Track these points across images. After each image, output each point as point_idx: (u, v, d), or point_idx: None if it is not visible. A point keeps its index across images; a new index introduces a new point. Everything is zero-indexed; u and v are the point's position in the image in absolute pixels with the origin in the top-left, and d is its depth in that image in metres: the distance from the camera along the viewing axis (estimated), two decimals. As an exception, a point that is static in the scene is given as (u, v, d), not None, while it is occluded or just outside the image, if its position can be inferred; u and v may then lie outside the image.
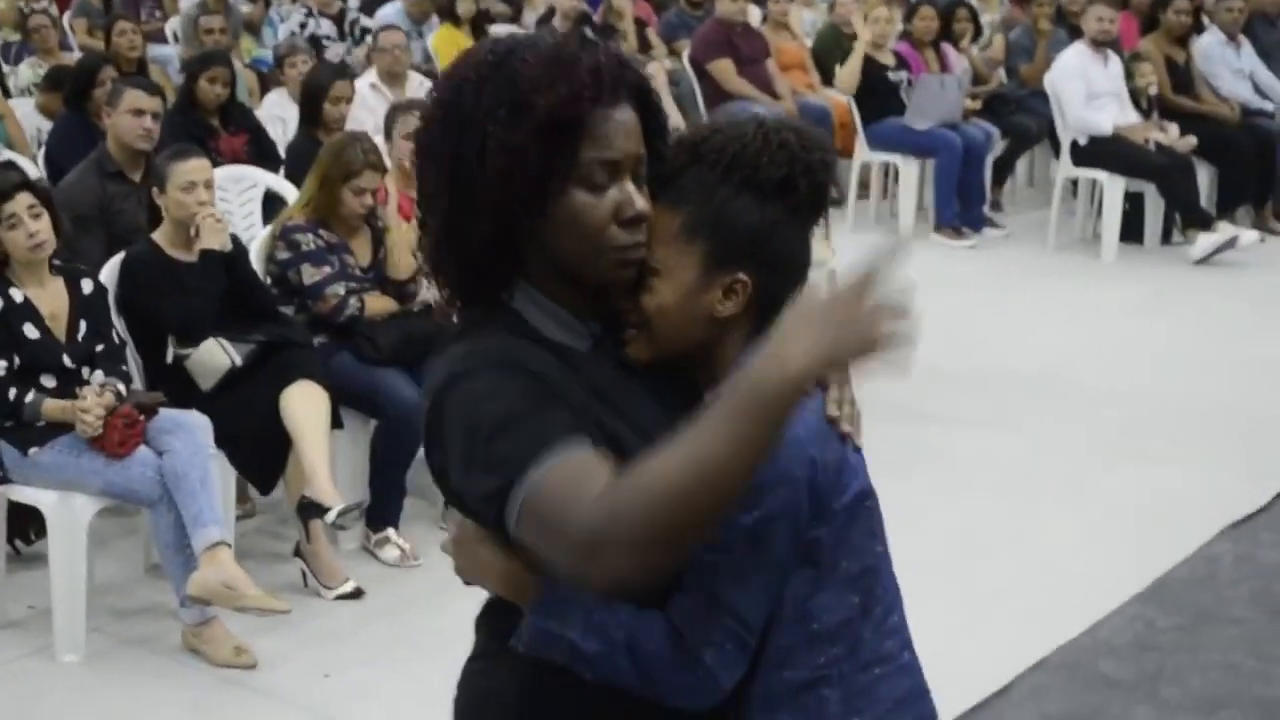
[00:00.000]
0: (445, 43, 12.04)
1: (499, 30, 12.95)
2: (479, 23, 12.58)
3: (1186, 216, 10.24)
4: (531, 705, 2.36)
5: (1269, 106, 11.16)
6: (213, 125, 8.09)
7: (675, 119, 7.90)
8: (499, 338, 2.24)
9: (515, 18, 14.05)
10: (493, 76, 2.16)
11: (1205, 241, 9.98)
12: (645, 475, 1.98)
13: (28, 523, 5.33)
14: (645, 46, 12.74)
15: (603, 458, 2.08)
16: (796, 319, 1.96)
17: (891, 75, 10.95)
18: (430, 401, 2.25)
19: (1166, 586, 5.54)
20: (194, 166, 5.61)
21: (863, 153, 10.89)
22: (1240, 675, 5.01)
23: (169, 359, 5.52)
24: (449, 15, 12.50)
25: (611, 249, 2.21)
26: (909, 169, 10.71)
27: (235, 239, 5.87)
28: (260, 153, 8.09)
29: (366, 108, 8.56)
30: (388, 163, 6.37)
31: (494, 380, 2.16)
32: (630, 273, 2.27)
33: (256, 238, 6.41)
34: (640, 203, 2.20)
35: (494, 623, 2.39)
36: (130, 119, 6.46)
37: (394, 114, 6.65)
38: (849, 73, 10.91)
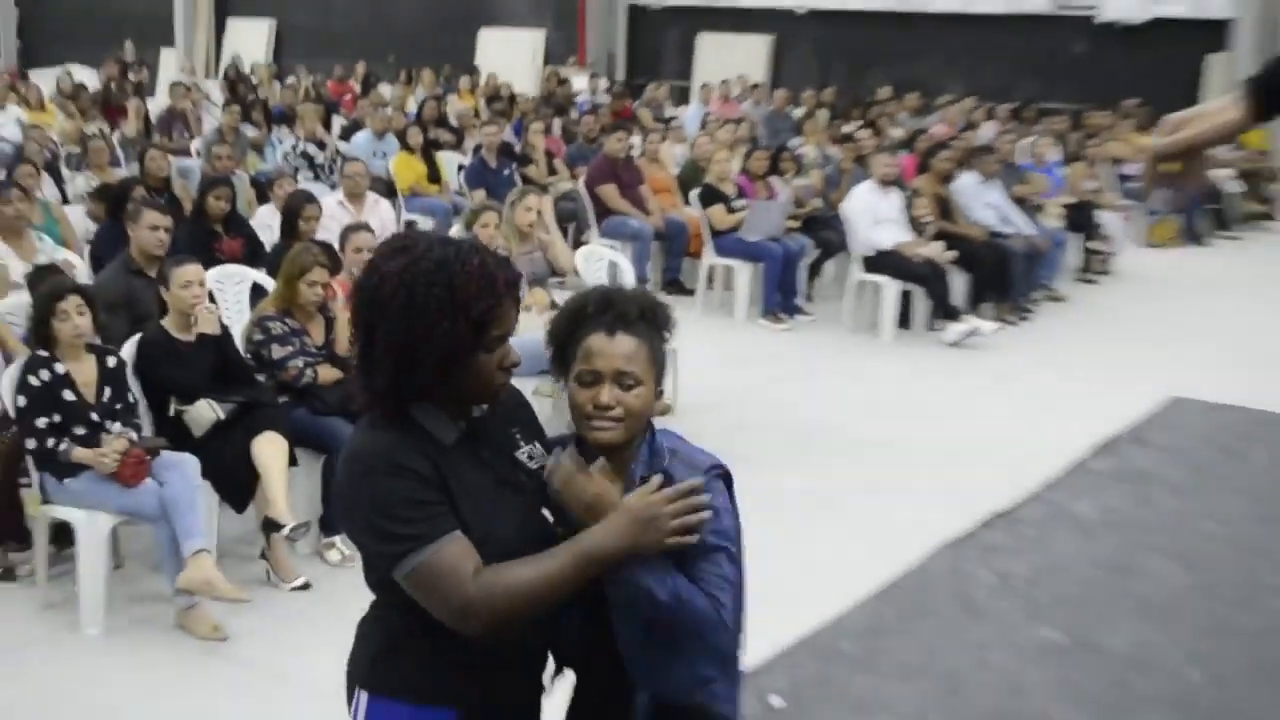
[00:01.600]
0: (401, 165, 12.11)
1: (454, 156, 13.09)
2: (427, 149, 12.56)
3: (943, 310, 10.33)
4: (389, 646, 2.54)
5: (1008, 230, 11.29)
6: (217, 231, 8.20)
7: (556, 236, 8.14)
8: (395, 438, 2.44)
9: (458, 145, 14.04)
10: (436, 282, 2.37)
11: (956, 329, 10.12)
12: (509, 577, 2.38)
13: (62, 534, 5.40)
14: (552, 171, 12.86)
15: (469, 547, 2.38)
16: (624, 511, 2.43)
17: (733, 201, 10.99)
18: (344, 473, 2.49)
19: (894, 588, 5.65)
20: (190, 270, 5.71)
21: (709, 257, 10.94)
22: (936, 653, 5.14)
23: (170, 413, 5.58)
24: (403, 144, 12.45)
25: (495, 385, 2.50)
26: (744, 270, 10.74)
27: (224, 325, 5.94)
28: (253, 253, 8.15)
29: (335, 220, 8.55)
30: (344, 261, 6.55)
31: (393, 480, 2.39)
32: (498, 395, 2.55)
33: (244, 321, 6.45)
34: (514, 356, 2.49)
35: (380, 599, 2.58)
36: (148, 232, 6.58)
37: (346, 233, 6.78)
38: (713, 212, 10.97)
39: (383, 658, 2.56)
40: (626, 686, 2.62)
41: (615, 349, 2.58)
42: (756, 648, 4.67)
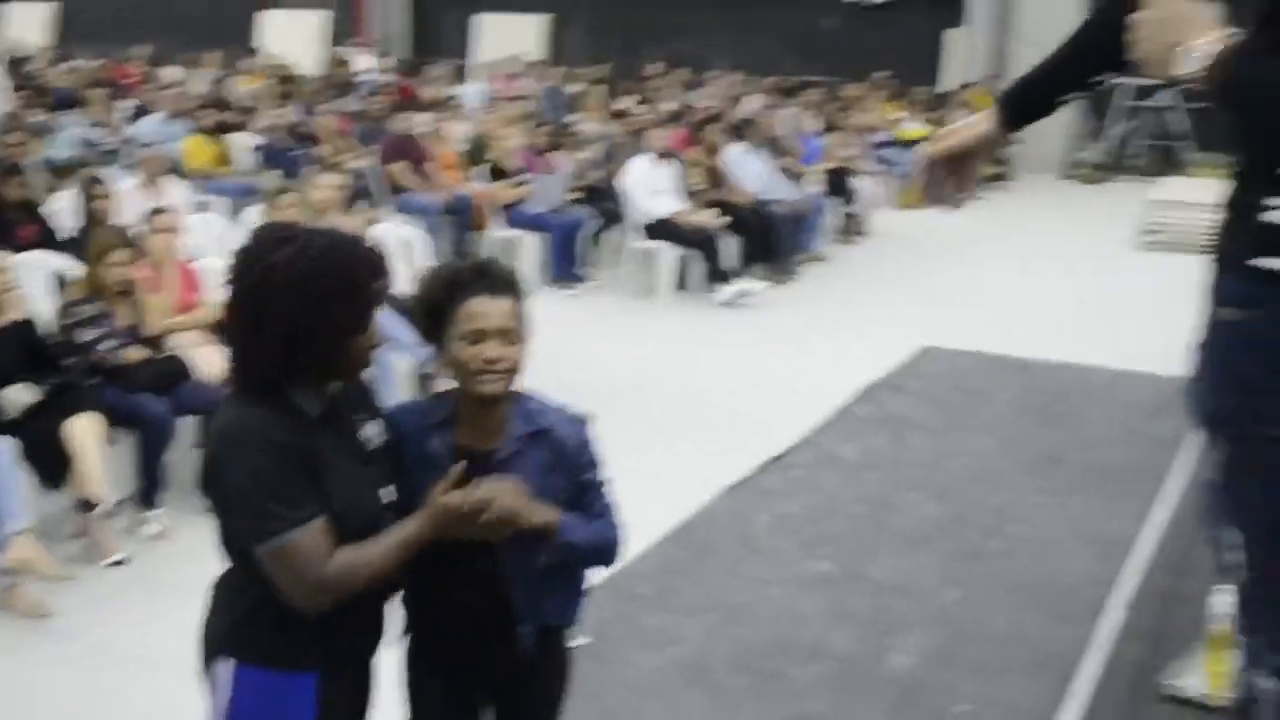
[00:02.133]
0: (194, 147, 11.74)
1: (243, 138, 12.80)
2: (218, 131, 12.17)
3: (716, 273, 10.50)
4: (252, 613, 2.54)
5: (773, 197, 11.46)
6: (13, 219, 7.90)
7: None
8: (268, 414, 2.45)
9: (245, 125, 13.60)
10: (328, 269, 2.42)
11: (728, 290, 10.31)
12: (356, 560, 2.47)
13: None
14: (342, 150, 12.60)
15: (327, 531, 2.44)
16: (439, 506, 2.52)
17: (519, 177, 11.07)
18: (213, 446, 2.51)
19: (682, 531, 5.76)
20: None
21: (495, 229, 10.92)
22: (721, 589, 5.25)
23: None
24: (193, 127, 12.10)
25: (364, 362, 2.58)
26: (530, 241, 10.80)
27: (31, 314, 5.79)
28: (48, 238, 7.93)
29: (130, 204, 8.35)
30: (145, 248, 6.40)
31: (272, 459, 2.41)
32: (364, 370, 2.64)
33: (43, 306, 6.26)
34: (380, 335, 2.58)
35: (238, 567, 2.57)
36: None
37: (150, 219, 6.63)
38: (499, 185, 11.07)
39: (247, 625, 2.56)
40: (504, 623, 2.75)
41: (498, 308, 2.64)
42: None
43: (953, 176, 2.87)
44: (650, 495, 6.17)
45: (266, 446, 2.42)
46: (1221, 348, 2.66)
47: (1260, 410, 2.60)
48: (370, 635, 2.70)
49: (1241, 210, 2.58)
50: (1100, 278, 11.50)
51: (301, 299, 2.41)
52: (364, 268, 2.48)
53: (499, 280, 2.68)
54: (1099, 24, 2.85)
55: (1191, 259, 12.04)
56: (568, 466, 2.78)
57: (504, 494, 2.57)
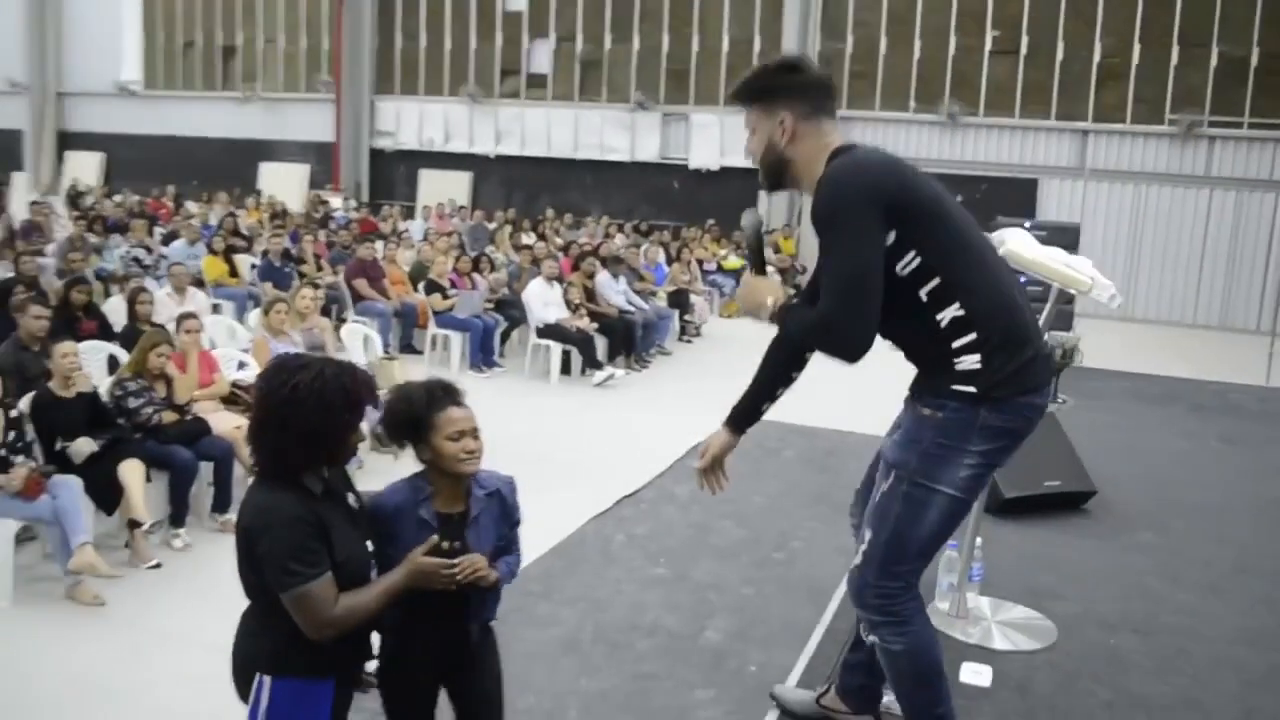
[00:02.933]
0: (209, 265, 11.71)
1: (247, 258, 12.78)
2: (228, 253, 12.13)
3: (590, 363, 10.54)
4: (286, 640, 2.49)
5: (632, 309, 11.61)
6: (79, 316, 7.85)
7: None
8: (289, 495, 2.45)
9: (249, 249, 13.39)
10: (339, 388, 2.46)
11: (600, 375, 10.36)
12: (354, 604, 2.47)
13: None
14: (319, 268, 12.61)
15: (333, 582, 2.42)
16: (416, 565, 2.52)
17: (449, 291, 11.10)
18: (248, 519, 2.49)
19: (562, 547, 5.67)
20: (67, 346, 5.61)
21: (432, 329, 10.93)
22: (589, 587, 5.16)
23: (57, 449, 5.44)
24: (209, 249, 12.08)
25: (352, 454, 2.60)
26: (456, 337, 10.79)
27: (94, 386, 5.82)
28: (104, 331, 7.90)
29: (164, 306, 8.39)
30: (176, 341, 6.41)
31: (288, 532, 2.41)
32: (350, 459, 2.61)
33: (104, 382, 6.25)
34: (362, 434, 2.58)
35: (266, 607, 2.52)
36: (33, 320, 6.34)
37: (180, 320, 6.59)
38: (433, 299, 11.13)
39: (281, 647, 2.50)
40: (456, 621, 2.74)
41: (467, 414, 2.70)
42: None
43: (715, 472, 3.13)
44: (542, 521, 6.07)
45: (289, 520, 2.42)
46: (915, 424, 2.99)
47: (927, 470, 2.93)
48: (362, 652, 2.69)
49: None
50: (860, 369, 11.73)
51: (319, 410, 2.43)
52: (361, 388, 2.52)
53: (457, 394, 2.73)
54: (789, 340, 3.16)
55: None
56: (507, 515, 2.83)
57: (478, 562, 2.62)
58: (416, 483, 2.75)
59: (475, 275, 11.84)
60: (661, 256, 14.63)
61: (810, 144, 2.81)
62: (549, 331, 10.67)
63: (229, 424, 6.23)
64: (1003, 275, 2.79)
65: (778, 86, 2.84)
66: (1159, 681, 4.12)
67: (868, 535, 2.95)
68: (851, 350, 2.74)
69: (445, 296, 11.05)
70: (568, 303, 11.02)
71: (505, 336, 11.76)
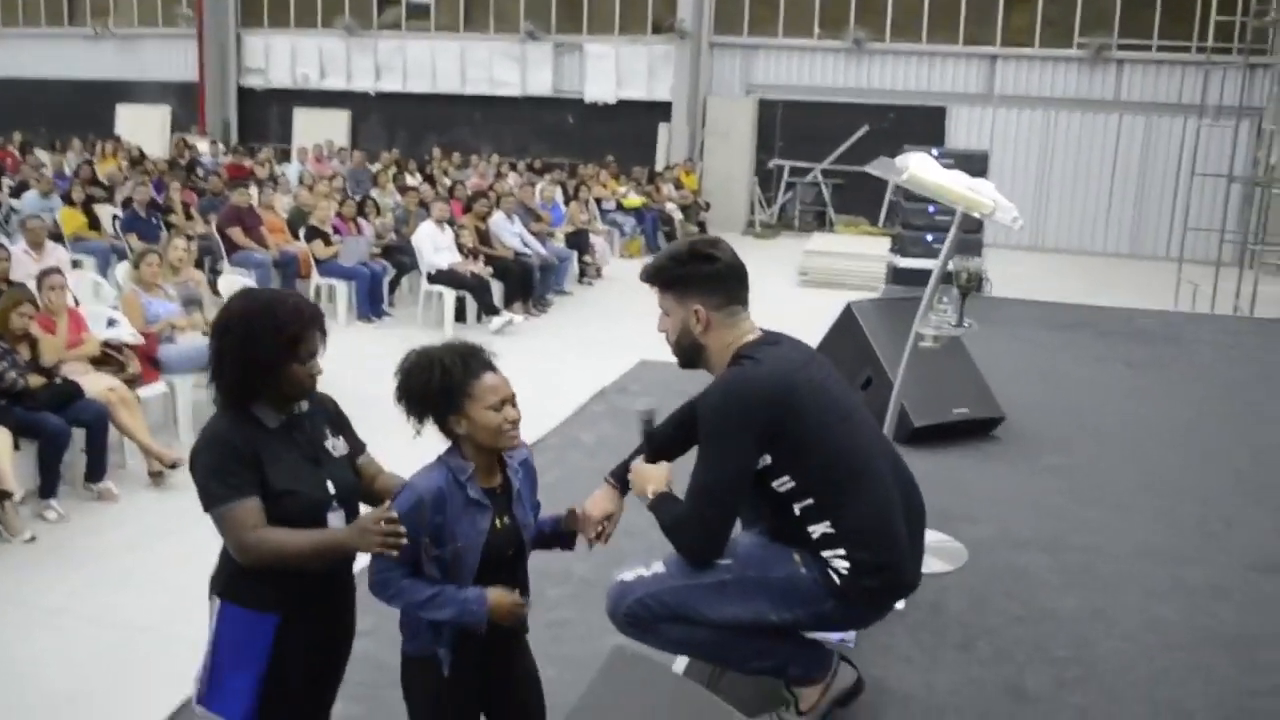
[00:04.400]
0: (66, 217, 11.36)
1: (107, 209, 12.45)
2: (87, 204, 11.80)
3: (486, 309, 10.66)
4: (238, 567, 2.57)
5: (528, 251, 11.70)
6: None
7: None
8: (230, 424, 2.59)
9: (110, 198, 13.00)
10: (263, 314, 2.57)
11: (497, 321, 10.47)
12: (272, 539, 2.54)
13: None
14: (189, 218, 12.25)
15: (256, 510, 2.52)
16: (356, 524, 2.57)
17: (333, 238, 11.00)
18: (196, 443, 2.62)
19: None
20: None
21: (315, 279, 10.90)
22: None
23: None
24: (67, 200, 11.74)
25: (304, 387, 2.65)
26: (342, 287, 10.79)
27: None
28: None
29: (21, 263, 8.06)
30: (39, 300, 6.29)
31: (220, 455, 2.54)
32: (306, 395, 2.67)
33: None
34: (318, 367, 2.63)
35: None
36: None
37: (42, 277, 6.50)
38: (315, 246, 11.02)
39: (231, 574, 2.63)
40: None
41: (503, 379, 2.65)
42: None
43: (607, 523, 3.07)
44: (422, 451, 6.30)
45: (219, 444, 2.57)
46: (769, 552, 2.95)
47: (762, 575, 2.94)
48: (310, 595, 2.70)
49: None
50: (769, 306, 11.94)
51: (244, 334, 2.57)
52: (288, 314, 2.59)
53: (488, 358, 2.68)
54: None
55: (834, 293, 12.68)
56: (535, 484, 2.85)
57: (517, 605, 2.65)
58: (452, 461, 2.68)
59: (360, 220, 11.79)
60: (559, 195, 14.65)
61: (722, 334, 2.95)
62: (441, 277, 10.69)
63: (102, 385, 6.17)
64: (883, 494, 2.87)
65: (691, 276, 2.95)
66: (1066, 595, 4.40)
67: (660, 569, 2.96)
68: (695, 557, 2.90)
69: (328, 243, 10.98)
70: (460, 247, 11.04)
71: (394, 284, 11.75)
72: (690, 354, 3.02)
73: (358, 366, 9.28)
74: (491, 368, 2.66)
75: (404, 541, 2.54)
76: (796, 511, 2.85)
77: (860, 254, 14.00)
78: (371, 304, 10.88)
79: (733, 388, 2.83)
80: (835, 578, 2.83)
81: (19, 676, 4.20)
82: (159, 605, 4.69)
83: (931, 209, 10.24)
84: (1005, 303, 10.54)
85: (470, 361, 2.64)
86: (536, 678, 2.89)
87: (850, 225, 18.47)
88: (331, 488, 2.71)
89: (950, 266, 4.25)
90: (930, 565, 4.59)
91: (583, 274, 13.43)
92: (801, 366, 2.87)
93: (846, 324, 6.39)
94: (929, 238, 10.35)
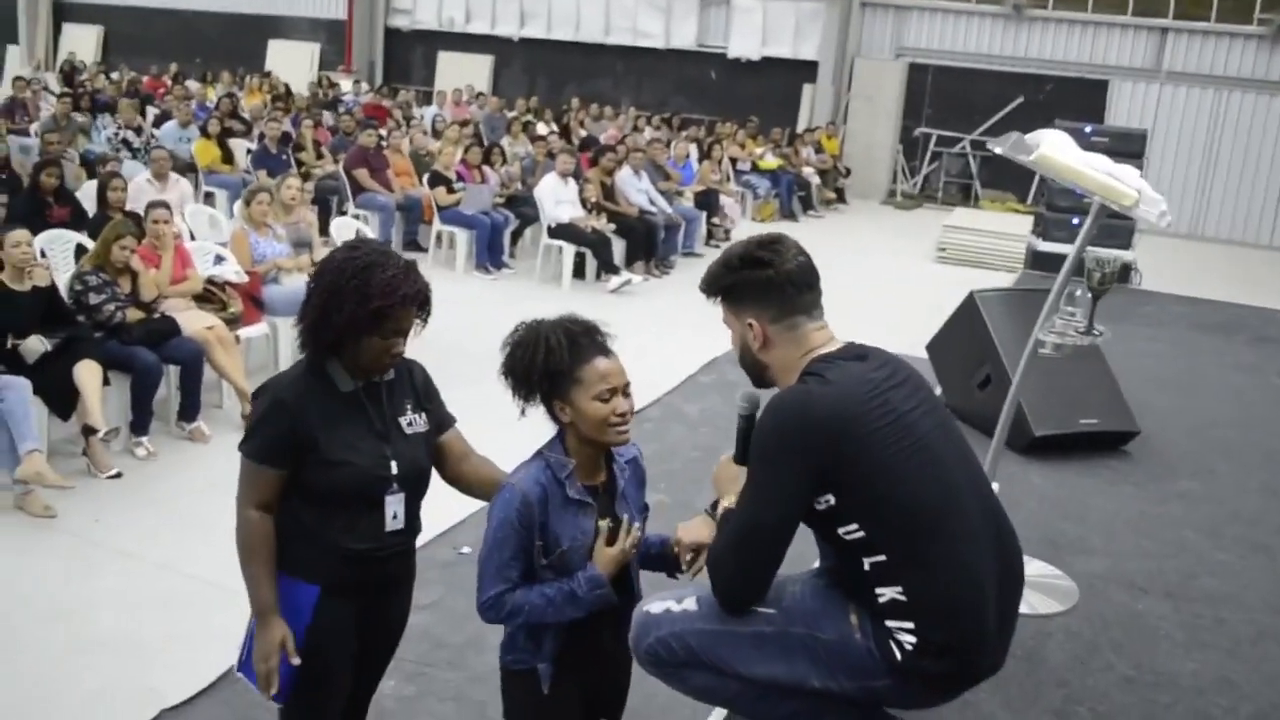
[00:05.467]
0: (201, 149, 11.55)
1: (244, 143, 12.60)
2: (223, 137, 11.94)
3: (606, 267, 10.48)
4: (282, 533, 2.50)
5: (654, 210, 11.44)
6: (48, 201, 7.69)
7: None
8: (299, 374, 2.51)
9: (247, 133, 13.28)
10: (356, 276, 2.41)
11: (615, 281, 10.28)
12: (250, 531, 2.47)
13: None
14: (319, 156, 12.37)
15: (273, 483, 2.45)
16: (265, 643, 2.46)
17: (454, 184, 10.91)
18: (266, 382, 2.56)
19: None
20: (19, 234, 5.45)
21: (436, 225, 10.80)
22: None
23: (8, 346, 5.30)
24: (203, 132, 11.86)
25: (380, 363, 2.51)
26: (462, 235, 10.67)
27: (52, 279, 5.67)
28: (78, 220, 7.68)
29: (143, 193, 8.15)
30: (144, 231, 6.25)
31: (269, 409, 2.46)
32: (382, 372, 2.54)
33: (69, 273, 6.17)
34: (399, 349, 2.49)
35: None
36: None
37: (148, 209, 6.45)
38: (437, 192, 10.91)
39: (283, 540, 2.52)
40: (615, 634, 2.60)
41: (618, 366, 2.46)
42: (450, 510, 4.53)
43: (696, 555, 2.74)
44: (544, 439, 6.17)
45: (274, 398, 2.47)
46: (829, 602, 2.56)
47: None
48: (372, 568, 2.59)
49: None
50: (898, 282, 11.59)
51: (329, 291, 2.43)
52: (381, 285, 2.42)
53: (603, 339, 2.49)
54: None
55: (971, 273, 12.21)
56: (643, 484, 2.67)
57: (634, 530, 2.49)
58: (551, 455, 2.50)
59: (485, 168, 11.62)
60: (692, 153, 14.32)
61: (784, 351, 2.54)
62: (562, 231, 10.53)
63: (200, 324, 6.12)
64: (973, 559, 2.41)
65: (743, 285, 2.57)
66: (1189, 657, 3.92)
67: (691, 606, 2.58)
68: (727, 603, 2.53)
69: (451, 190, 10.87)
70: (584, 201, 10.84)
71: (516, 236, 11.66)
72: (756, 373, 2.64)
73: (470, 319, 9.43)
74: (605, 351, 2.46)
75: (274, 691, 2.48)
76: (866, 566, 2.41)
77: (1004, 232, 13.43)
78: (491, 254, 10.77)
79: (786, 410, 2.41)
80: (896, 652, 2.40)
81: (73, 614, 4.14)
82: (232, 558, 4.58)
83: (1079, 190, 9.56)
84: (1154, 296, 9.86)
85: (580, 341, 2.44)
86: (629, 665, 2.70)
87: (997, 201, 17.76)
88: (394, 467, 2.55)
89: (1084, 261, 3.78)
90: (1033, 604, 4.18)
91: (710, 236, 13.15)
92: (880, 391, 2.42)
93: (967, 314, 5.95)
94: (1075, 221, 9.69)
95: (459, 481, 2.77)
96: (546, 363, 2.42)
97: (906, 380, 2.50)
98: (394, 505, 2.56)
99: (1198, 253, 15.18)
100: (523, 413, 2.51)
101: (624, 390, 2.44)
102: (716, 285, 2.62)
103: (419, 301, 2.49)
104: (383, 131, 12.48)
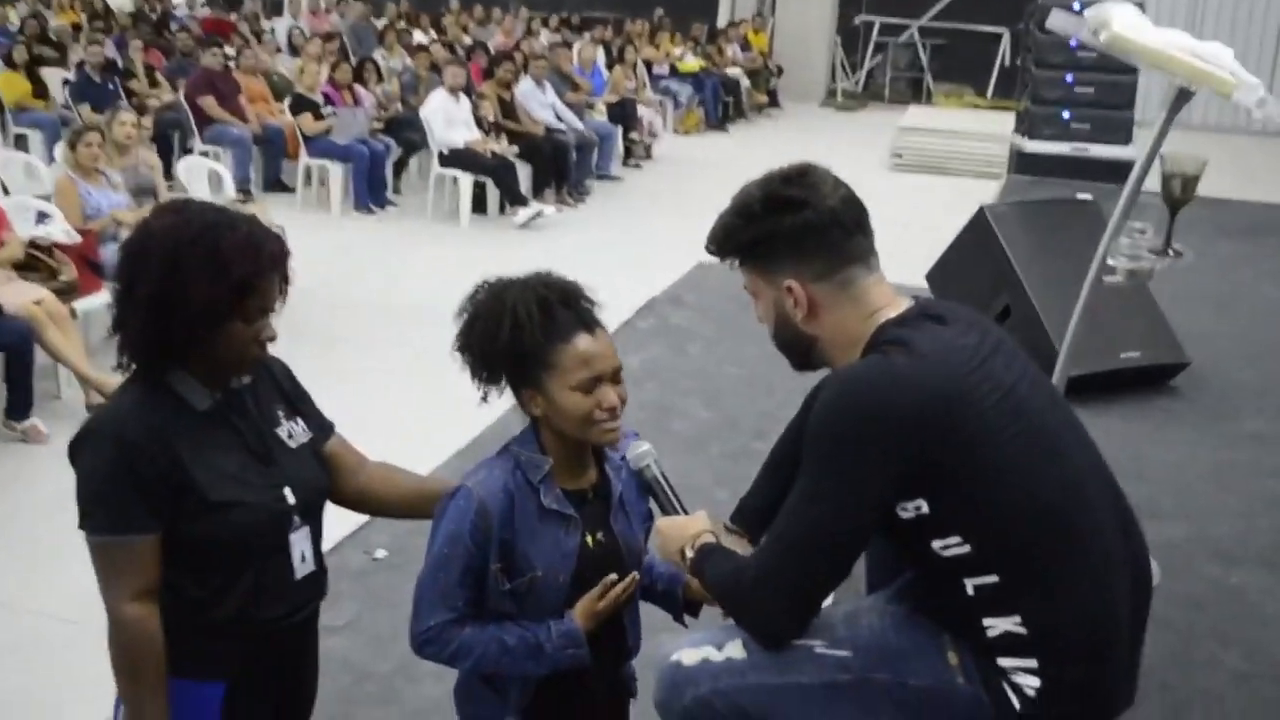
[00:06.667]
0: (5, 83, 11.12)
1: (55, 73, 12.02)
2: (32, 67, 11.50)
3: (511, 197, 10.34)
4: None
5: (562, 127, 11.35)
6: None
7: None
8: (136, 400, 2.18)
9: (62, 60, 12.63)
10: (200, 242, 2.11)
11: (524, 213, 10.15)
12: (123, 636, 2.11)
13: None
14: (154, 84, 12.07)
15: (148, 558, 2.12)
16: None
17: (322, 108, 10.70)
18: (85, 426, 2.19)
19: (475, 443, 5.31)
20: None
21: (304, 159, 10.56)
22: None
23: None
24: (6, 62, 11.43)
25: (249, 357, 2.20)
26: (336, 169, 10.43)
27: None
28: None
29: None
30: None
31: (115, 460, 2.11)
32: (251, 368, 2.26)
33: None
34: (270, 331, 2.20)
35: None
36: None
37: None
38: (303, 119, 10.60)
39: (169, 628, 2.21)
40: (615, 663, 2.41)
41: (606, 347, 2.19)
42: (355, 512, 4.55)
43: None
44: (450, 408, 5.98)
45: (117, 441, 2.13)
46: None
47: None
48: (288, 646, 2.35)
49: None
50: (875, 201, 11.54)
51: (165, 268, 2.11)
52: (237, 250, 2.14)
53: (590, 313, 2.22)
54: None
55: (936, 180, 12.24)
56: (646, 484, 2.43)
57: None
58: (523, 453, 2.24)
59: (357, 88, 11.45)
60: (600, 58, 14.26)
61: (840, 316, 2.22)
62: (456, 158, 10.37)
63: (26, 298, 5.83)
64: (1107, 574, 2.17)
65: (771, 238, 2.22)
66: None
67: (737, 655, 2.31)
68: (767, 639, 2.23)
69: (319, 116, 10.62)
70: (479, 121, 10.66)
71: (400, 167, 11.54)
72: (800, 352, 2.32)
73: (352, 270, 9.25)
74: (589, 326, 2.18)
75: None
76: (970, 591, 2.11)
77: (968, 132, 13.54)
78: (371, 191, 10.60)
79: (866, 390, 2.09)
80: (1014, 700, 2.11)
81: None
82: (92, 589, 4.34)
83: (1069, 78, 9.57)
84: (1211, 204, 9.85)
85: (557, 315, 2.17)
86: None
87: (953, 96, 17.88)
88: (290, 495, 2.26)
89: (1158, 165, 3.56)
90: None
91: (629, 154, 13.15)
92: (980, 362, 2.11)
93: (977, 234, 5.84)
94: (1066, 115, 9.68)
95: (359, 501, 2.50)
96: (512, 341, 2.16)
97: (1000, 344, 2.19)
98: (299, 544, 2.29)
99: (1240, 148, 14.88)
100: (484, 399, 2.24)
101: (612, 377, 2.18)
102: (734, 242, 2.27)
103: (283, 264, 2.22)
104: (229, 50, 12.15)
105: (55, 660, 3.96)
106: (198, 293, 2.10)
